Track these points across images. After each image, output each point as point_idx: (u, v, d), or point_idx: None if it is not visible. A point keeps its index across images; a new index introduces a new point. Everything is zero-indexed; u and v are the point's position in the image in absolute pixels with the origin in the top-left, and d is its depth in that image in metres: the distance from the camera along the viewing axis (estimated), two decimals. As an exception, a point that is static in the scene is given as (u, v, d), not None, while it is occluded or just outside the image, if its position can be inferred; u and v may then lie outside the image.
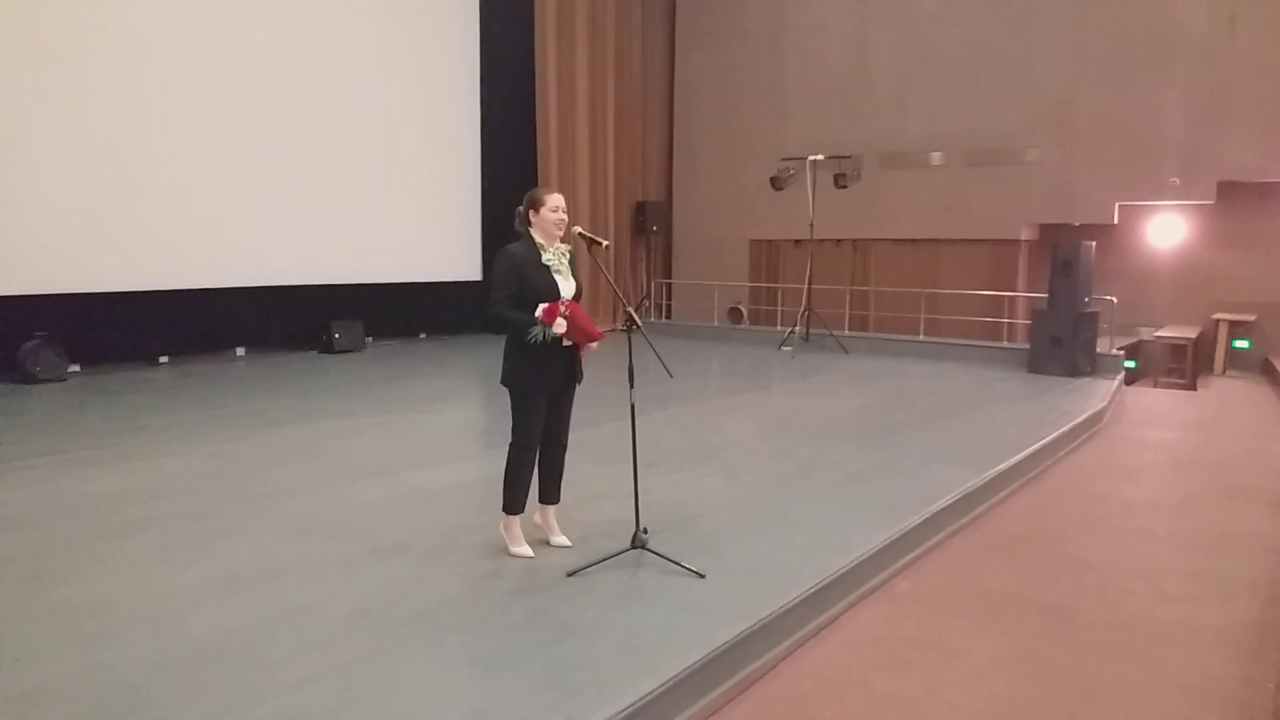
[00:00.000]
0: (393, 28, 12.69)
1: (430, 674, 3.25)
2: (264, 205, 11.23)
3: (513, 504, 4.40)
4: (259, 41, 11.11)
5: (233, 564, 4.29)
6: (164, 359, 10.69)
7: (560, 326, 4.09)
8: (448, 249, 13.68)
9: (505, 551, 4.40)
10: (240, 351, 11.51)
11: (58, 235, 9.48)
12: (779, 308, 15.35)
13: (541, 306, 4.10)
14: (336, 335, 11.87)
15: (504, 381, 4.33)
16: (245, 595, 3.92)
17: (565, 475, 4.59)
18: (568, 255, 4.37)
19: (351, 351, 11.98)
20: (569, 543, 4.53)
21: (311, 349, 11.93)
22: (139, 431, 7.18)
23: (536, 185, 13.44)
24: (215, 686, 3.13)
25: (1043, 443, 7.19)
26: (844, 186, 13.62)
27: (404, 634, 3.56)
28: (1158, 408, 10.16)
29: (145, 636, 3.51)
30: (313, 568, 4.26)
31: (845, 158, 13.62)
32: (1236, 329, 12.58)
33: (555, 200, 4.29)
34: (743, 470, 6.21)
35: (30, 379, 9.04)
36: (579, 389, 4.47)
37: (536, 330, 4.09)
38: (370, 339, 12.64)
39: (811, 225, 13.34)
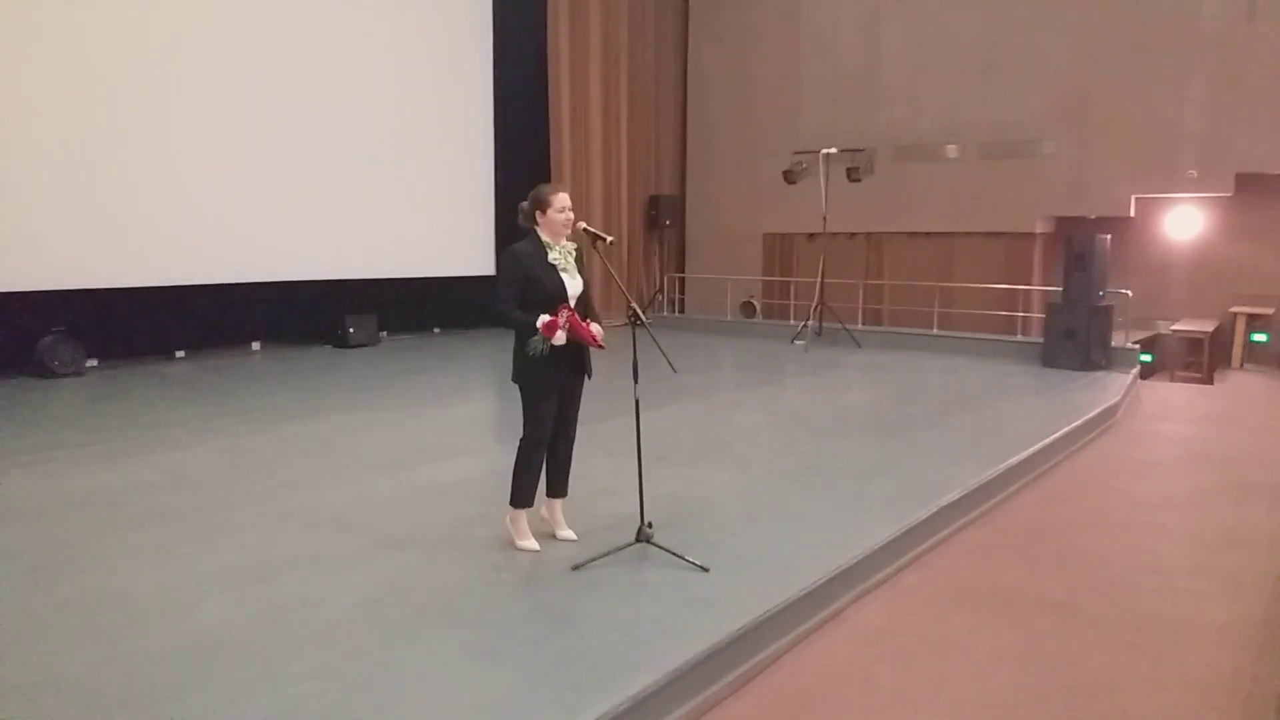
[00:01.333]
0: (406, 22, 12.72)
1: (433, 666, 3.29)
2: (279, 200, 11.30)
3: (521, 498, 4.42)
4: (272, 36, 11.17)
5: (243, 557, 4.35)
6: (181, 353, 10.80)
7: (560, 339, 4.10)
8: (462, 243, 13.71)
9: (512, 545, 4.44)
10: (256, 346, 11.61)
11: (75, 232, 9.58)
12: (792, 301, 15.31)
13: (542, 319, 4.09)
14: (351, 330, 11.93)
15: (514, 378, 4.35)
16: (254, 588, 3.98)
17: (573, 469, 4.61)
18: (574, 253, 4.36)
19: (366, 346, 12.04)
20: (575, 536, 4.55)
21: (326, 343, 12.00)
22: (154, 425, 7.27)
23: (549, 179, 13.48)
24: (222, 678, 3.18)
25: (1055, 437, 7.16)
26: (857, 180, 13.54)
27: (409, 626, 3.60)
28: (1173, 402, 10.09)
29: (155, 628, 3.57)
30: (322, 560, 4.31)
31: (858, 151, 13.53)
32: (1255, 322, 12.45)
33: (562, 200, 4.28)
34: (751, 464, 6.22)
35: (48, 373, 9.15)
36: (590, 383, 4.49)
37: (537, 344, 4.11)
38: (385, 333, 12.70)
39: (824, 219, 13.30)
